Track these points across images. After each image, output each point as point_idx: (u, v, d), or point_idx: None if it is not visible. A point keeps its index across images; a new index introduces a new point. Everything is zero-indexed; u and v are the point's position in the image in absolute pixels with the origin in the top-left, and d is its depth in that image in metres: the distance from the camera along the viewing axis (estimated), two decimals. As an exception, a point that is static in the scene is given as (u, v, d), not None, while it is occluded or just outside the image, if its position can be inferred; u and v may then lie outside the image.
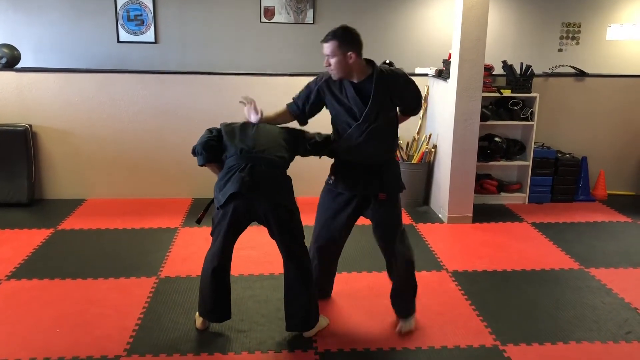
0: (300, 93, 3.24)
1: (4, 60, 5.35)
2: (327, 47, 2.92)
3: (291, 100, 3.28)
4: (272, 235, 3.03)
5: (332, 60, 2.93)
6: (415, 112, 3.29)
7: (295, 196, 3.07)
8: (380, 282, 3.84)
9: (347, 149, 3.10)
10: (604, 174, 5.83)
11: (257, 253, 4.22)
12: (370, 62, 3.05)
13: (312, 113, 3.24)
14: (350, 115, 3.05)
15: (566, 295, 3.70)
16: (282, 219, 2.96)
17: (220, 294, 3.12)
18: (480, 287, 3.81)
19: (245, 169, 2.87)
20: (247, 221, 3.00)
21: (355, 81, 3.01)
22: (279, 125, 3.17)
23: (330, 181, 3.22)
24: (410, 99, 3.20)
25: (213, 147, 3.02)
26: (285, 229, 2.99)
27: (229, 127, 3.09)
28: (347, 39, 2.91)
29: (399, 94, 3.10)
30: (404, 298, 3.28)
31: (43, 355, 2.92)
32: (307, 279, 3.05)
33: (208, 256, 3.08)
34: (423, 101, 5.61)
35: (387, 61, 5.54)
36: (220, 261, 3.03)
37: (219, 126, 3.14)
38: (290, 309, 3.09)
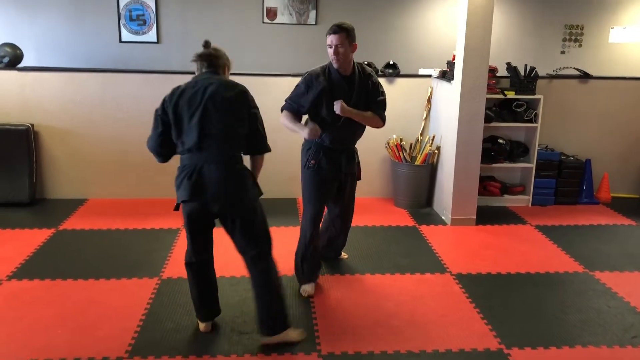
0: (293, 95, 3.52)
1: (6, 60, 5.33)
2: (337, 38, 3.30)
3: (285, 104, 3.56)
4: (231, 236, 2.96)
5: (342, 49, 3.31)
6: (384, 117, 3.61)
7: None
8: (385, 284, 3.82)
9: (331, 137, 3.50)
10: (608, 177, 5.80)
11: (260, 254, 4.20)
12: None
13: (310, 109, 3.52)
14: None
15: (571, 298, 3.68)
16: (240, 218, 2.89)
17: (203, 290, 3.13)
18: (485, 289, 3.78)
19: (194, 172, 2.80)
20: (207, 220, 2.97)
21: (347, 74, 3.43)
22: (239, 87, 2.99)
23: (310, 165, 3.55)
24: (379, 103, 3.57)
25: (168, 144, 2.93)
26: (244, 229, 2.90)
27: (176, 108, 2.87)
28: (351, 32, 3.35)
29: (376, 92, 3.55)
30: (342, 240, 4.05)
31: (44, 356, 2.90)
32: (271, 282, 2.98)
33: (186, 252, 3.10)
34: (426, 103, 5.59)
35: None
36: (195, 257, 3.05)
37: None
38: (259, 313, 3.03)
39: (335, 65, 3.39)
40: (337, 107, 3.36)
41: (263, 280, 2.98)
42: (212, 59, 2.99)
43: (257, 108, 2.99)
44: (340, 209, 3.83)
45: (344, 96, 3.41)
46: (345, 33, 3.30)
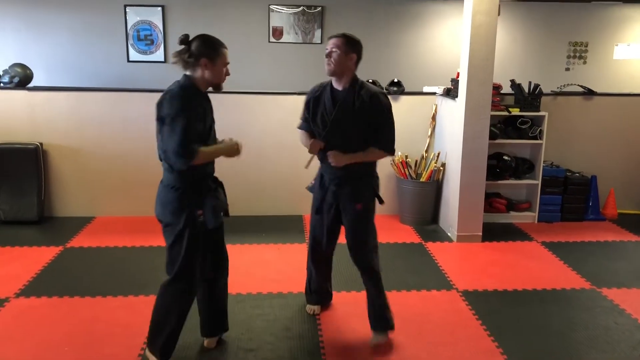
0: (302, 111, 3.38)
1: (16, 79, 5.41)
2: (333, 42, 3.07)
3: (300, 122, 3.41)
4: None
5: (335, 54, 3.05)
6: (384, 146, 3.15)
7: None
8: (391, 301, 3.79)
9: (321, 160, 3.27)
10: (614, 193, 5.79)
11: (266, 271, 4.22)
12: (355, 76, 3.17)
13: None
14: (322, 123, 3.21)
15: (578, 315, 3.66)
16: (164, 235, 2.92)
17: (201, 304, 3.16)
18: (491, 306, 3.77)
19: None
20: None
21: (340, 88, 3.14)
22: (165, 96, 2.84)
23: (310, 184, 3.42)
24: (379, 130, 3.13)
25: None
26: (166, 246, 2.91)
27: None
28: (353, 41, 3.09)
29: (371, 115, 3.11)
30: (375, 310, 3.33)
31: (51, 373, 2.91)
32: (158, 307, 2.94)
33: None
34: (430, 120, 5.61)
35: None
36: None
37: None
38: None
39: (325, 70, 3.12)
40: (331, 159, 3.12)
41: (156, 301, 2.96)
42: (180, 62, 2.81)
43: (169, 114, 2.71)
44: (348, 244, 3.32)
45: (327, 111, 3.16)
46: (343, 39, 3.06)
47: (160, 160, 2.92)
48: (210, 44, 2.81)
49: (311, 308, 3.63)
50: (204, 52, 2.76)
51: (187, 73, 2.82)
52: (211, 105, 2.95)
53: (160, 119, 2.76)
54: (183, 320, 2.96)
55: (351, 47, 3.08)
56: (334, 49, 3.06)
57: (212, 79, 2.81)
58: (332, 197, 3.26)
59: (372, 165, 3.28)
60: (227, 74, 2.90)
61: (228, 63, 2.88)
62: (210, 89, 2.89)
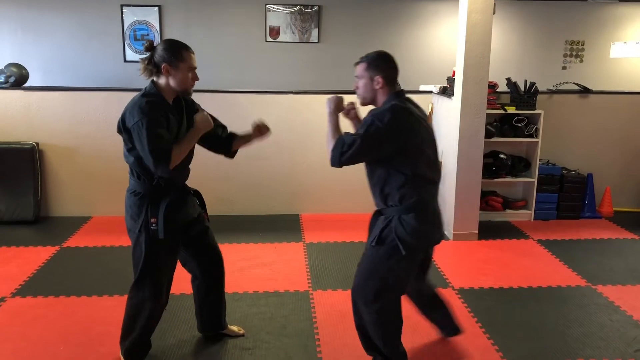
0: None
1: (12, 79, 5.41)
2: (356, 70, 2.78)
3: None
4: None
5: (360, 83, 2.77)
6: (336, 144, 2.69)
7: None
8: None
9: None
10: (610, 191, 5.81)
11: (263, 270, 4.22)
12: (397, 94, 2.80)
13: None
14: None
15: (573, 312, 3.67)
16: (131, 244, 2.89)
17: (195, 301, 3.25)
18: (487, 304, 3.78)
19: None
20: None
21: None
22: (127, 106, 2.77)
23: None
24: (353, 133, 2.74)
25: None
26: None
27: None
28: (375, 62, 2.76)
29: None
30: None
31: (47, 372, 2.91)
32: (126, 310, 2.92)
33: None
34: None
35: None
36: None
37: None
38: None
39: None
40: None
41: (126, 303, 2.94)
42: (145, 71, 2.76)
43: (137, 122, 2.61)
44: None
45: None
46: (364, 64, 2.76)
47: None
48: (173, 48, 2.69)
49: None
50: (165, 57, 2.67)
51: (154, 79, 2.75)
52: (184, 112, 2.84)
53: (127, 131, 2.70)
54: (150, 327, 2.94)
55: (374, 69, 2.73)
56: (357, 79, 2.78)
57: (176, 85, 2.72)
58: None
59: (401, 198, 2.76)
60: (195, 79, 2.78)
61: (195, 67, 2.76)
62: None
